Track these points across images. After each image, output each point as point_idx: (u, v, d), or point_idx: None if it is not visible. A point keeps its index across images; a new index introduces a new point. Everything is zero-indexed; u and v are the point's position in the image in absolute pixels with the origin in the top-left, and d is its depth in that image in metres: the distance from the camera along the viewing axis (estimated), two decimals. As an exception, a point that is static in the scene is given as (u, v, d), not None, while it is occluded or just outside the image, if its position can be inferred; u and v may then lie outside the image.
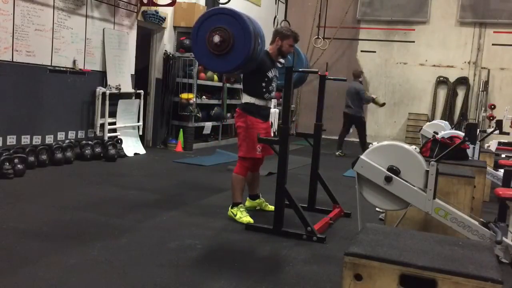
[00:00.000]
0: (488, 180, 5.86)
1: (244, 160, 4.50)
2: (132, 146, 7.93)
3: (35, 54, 6.31)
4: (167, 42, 9.00)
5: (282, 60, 4.71)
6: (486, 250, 2.15)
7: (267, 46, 4.59)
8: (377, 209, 4.70)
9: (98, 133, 7.38)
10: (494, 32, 12.42)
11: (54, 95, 6.67)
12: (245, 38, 3.80)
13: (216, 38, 3.75)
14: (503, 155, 8.16)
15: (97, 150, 7.02)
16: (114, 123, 7.63)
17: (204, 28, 3.90)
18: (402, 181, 3.26)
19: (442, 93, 13.04)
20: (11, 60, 6.00)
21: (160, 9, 8.40)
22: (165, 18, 8.62)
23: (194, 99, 8.86)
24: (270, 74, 4.51)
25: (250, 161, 4.52)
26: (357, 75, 9.91)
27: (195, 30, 4.04)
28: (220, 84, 9.94)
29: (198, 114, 9.05)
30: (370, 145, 3.49)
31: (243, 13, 4.06)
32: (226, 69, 4.32)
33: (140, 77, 8.62)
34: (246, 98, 4.51)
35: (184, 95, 8.86)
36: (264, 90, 4.47)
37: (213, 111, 9.69)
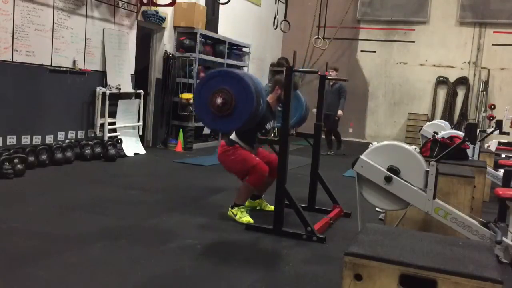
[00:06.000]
0: (488, 180, 5.85)
1: (253, 171, 4.41)
2: (132, 146, 7.93)
3: (35, 54, 6.31)
4: (167, 42, 8.99)
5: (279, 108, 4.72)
6: (486, 250, 2.15)
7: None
8: (377, 209, 4.69)
9: (98, 133, 7.38)
10: (494, 32, 12.41)
11: (54, 95, 6.67)
12: (247, 99, 3.82)
13: (219, 100, 3.78)
14: (503, 155, 8.16)
15: (97, 150, 7.01)
16: (114, 123, 7.62)
17: (206, 89, 3.91)
18: (402, 181, 3.26)
19: (442, 93, 13.03)
20: (11, 60, 6.00)
21: (160, 9, 8.40)
22: (165, 18, 8.62)
23: (194, 99, 8.85)
24: (268, 126, 4.60)
25: (258, 170, 4.39)
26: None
27: (198, 91, 4.06)
28: (220, 84, 9.92)
29: (198, 114, 9.05)
30: (370, 145, 3.49)
31: (245, 73, 4.08)
32: (228, 129, 4.35)
33: (140, 77, 8.61)
34: (234, 137, 4.54)
35: (184, 95, 8.85)
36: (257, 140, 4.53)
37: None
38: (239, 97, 3.81)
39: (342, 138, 10.07)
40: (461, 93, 12.89)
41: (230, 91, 3.81)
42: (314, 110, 9.04)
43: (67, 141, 6.78)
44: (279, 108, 4.67)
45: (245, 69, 11.29)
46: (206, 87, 3.92)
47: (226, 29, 10.54)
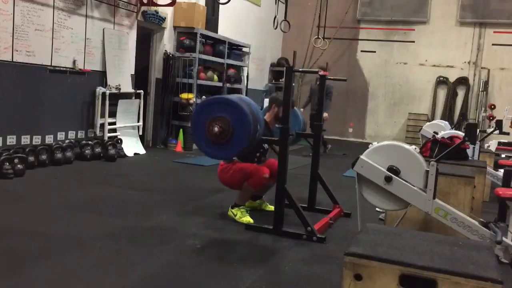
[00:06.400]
0: (488, 180, 5.85)
1: (252, 174, 4.42)
2: (132, 146, 7.93)
3: (35, 54, 6.31)
4: (167, 42, 8.99)
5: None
6: (486, 250, 2.15)
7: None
8: (377, 209, 4.70)
9: (98, 133, 7.38)
10: (494, 32, 12.42)
11: (54, 95, 6.67)
12: (244, 127, 3.81)
13: (216, 129, 3.78)
14: (503, 155, 8.17)
15: (97, 150, 7.01)
16: (114, 123, 7.62)
17: (203, 116, 3.90)
18: (402, 181, 3.26)
19: (442, 93, 13.03)
20: (11, 60, 6.00)
21: (160, 9, 8.40)
22: (165, 18, 8.62)
23: (194, 99, 8.86)
24: (266, 145, 4.65)
25: (257, 172, 4.42)
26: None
27: (195, 118, 4.03)
28: (220, 84, 9.94)
29: (198, 114, 9.04)
30: (370, 145, 3.49)
31: (242, 99, 4.03)
32: (225, 157, 4.37)
33: (140, 77, 8.61)
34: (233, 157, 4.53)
35: (184, 95, 8.86)
36: (256, 159, 4.60)
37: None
38: (236, 125, 3.79)
39: (341, 138, 10.06)
40: (461, 93, 12.90)
41: (227, 119, 3.80)
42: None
43: (67, 141, 6.78)
44: (277, 125, 4.68)
45: (245, 69, 11.31)
46: (203, 115, 3.90)
47: (226, 29, 10.54)
